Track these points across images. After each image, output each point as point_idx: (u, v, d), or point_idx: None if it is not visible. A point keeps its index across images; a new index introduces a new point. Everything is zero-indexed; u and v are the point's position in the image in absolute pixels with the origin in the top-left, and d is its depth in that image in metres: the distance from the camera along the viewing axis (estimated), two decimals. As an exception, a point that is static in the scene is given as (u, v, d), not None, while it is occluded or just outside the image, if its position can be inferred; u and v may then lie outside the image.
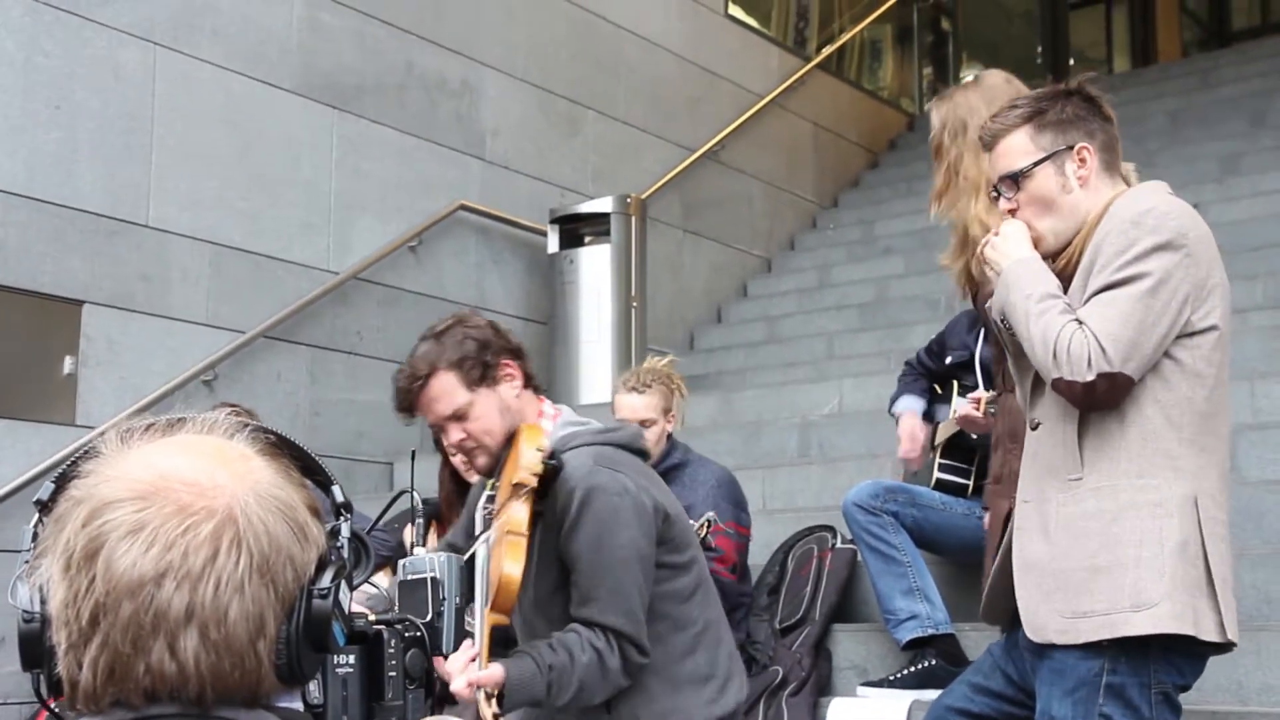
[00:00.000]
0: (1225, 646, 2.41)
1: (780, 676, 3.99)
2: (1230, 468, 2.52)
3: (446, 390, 2.68)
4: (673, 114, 7.95)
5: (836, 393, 5.99)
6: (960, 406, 3.86)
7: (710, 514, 3.82)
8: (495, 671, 2.51)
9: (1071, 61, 13.41)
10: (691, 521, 3.57)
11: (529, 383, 2.80)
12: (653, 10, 7.95)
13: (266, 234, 5.69)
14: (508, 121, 6.90)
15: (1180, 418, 2.40)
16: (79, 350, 5.00)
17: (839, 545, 4.35)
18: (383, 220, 6.17)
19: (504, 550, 2.58)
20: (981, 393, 3.80)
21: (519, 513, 2.60)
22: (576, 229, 6.87)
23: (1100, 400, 2.38)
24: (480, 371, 2.70)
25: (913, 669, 3.80)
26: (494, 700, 2.47)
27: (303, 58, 5.95)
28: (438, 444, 3.84)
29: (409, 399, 2.70)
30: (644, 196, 7.14)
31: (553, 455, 2.65)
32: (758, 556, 4.48)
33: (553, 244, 6.84)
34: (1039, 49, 13.23)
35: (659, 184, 7.58)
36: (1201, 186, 6.98)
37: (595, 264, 6.73)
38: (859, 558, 4.14)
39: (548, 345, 6.69)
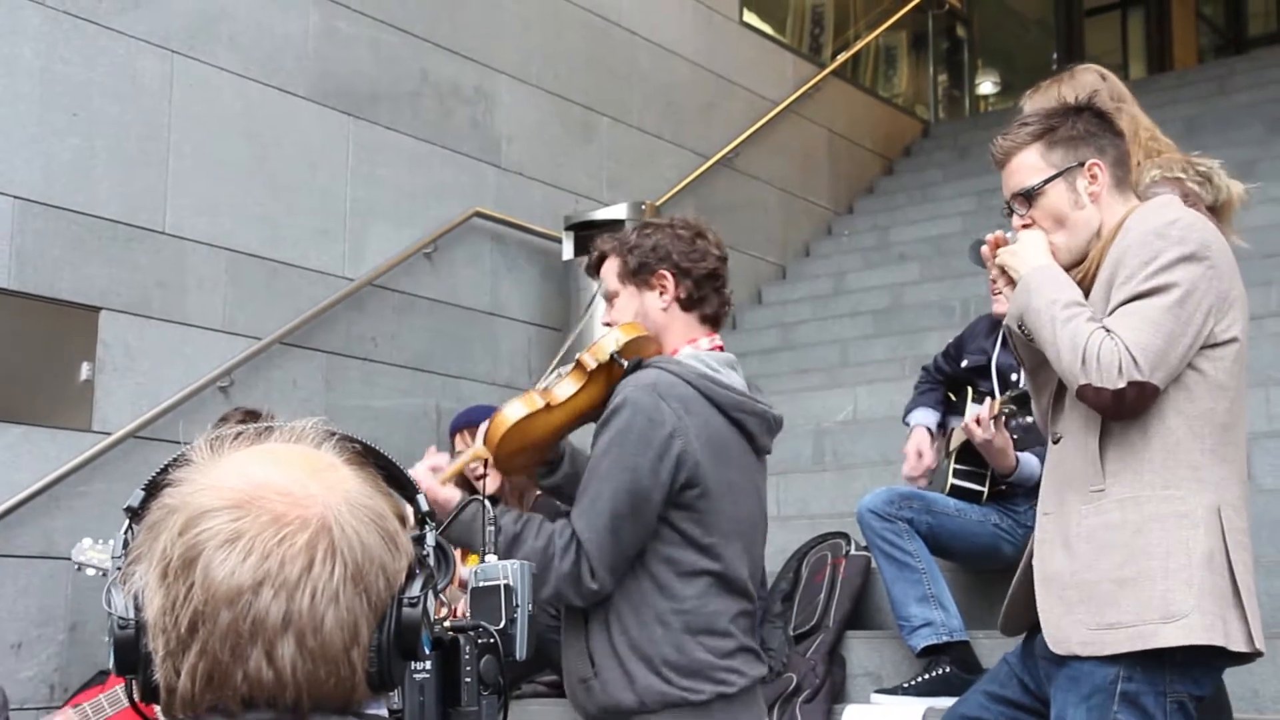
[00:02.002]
0: (1247, 657, 2.41)
1: (794, 684, 3.99)
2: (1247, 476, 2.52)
3: (610, 270, 2.82)
4: (687, 121, 7.95)
5: (851, 399, 5.99)
6: (968, 414, 3.86)
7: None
8: (449, 493, 2.62)
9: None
10: None
11: (691, 306, 2.78)
12: (667, 17, 7.96)
13: (282, 241, 5.71)
14: (523, 128, 6.91)
15: (1203, 429, 2.40)
16: (96, 356, 5.02)
17: (853, 552, 4.35)
18: (398, 227, 6.19)
19: (517, 398, 2.67)
20: (981, 410, 3.79)
21: (561, 385, 2.70)
22: (591, 236, 6.86)
23: (1128, 408, 2.37)
24: (636, 269, 2.77)
25: (927, 676, 3.79)
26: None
27: (319, 65, 5.97)
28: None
29: (589, 266, 2.90)
30: (659, 203, 7.14)
31: (630, 359, 2.68)
32: (772, 563, 4.47)
33: (567, 251, 6.85)
34: (1054, 56, 13.20)
35: (674, 191, 7.59)
36: (1218, 193, 6.95)
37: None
38: (873, 564, 4.14)
39: (562, 352, 6.69)
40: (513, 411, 2.69)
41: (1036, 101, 3.23)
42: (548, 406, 2.70)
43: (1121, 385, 2.33)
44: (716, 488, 2.66)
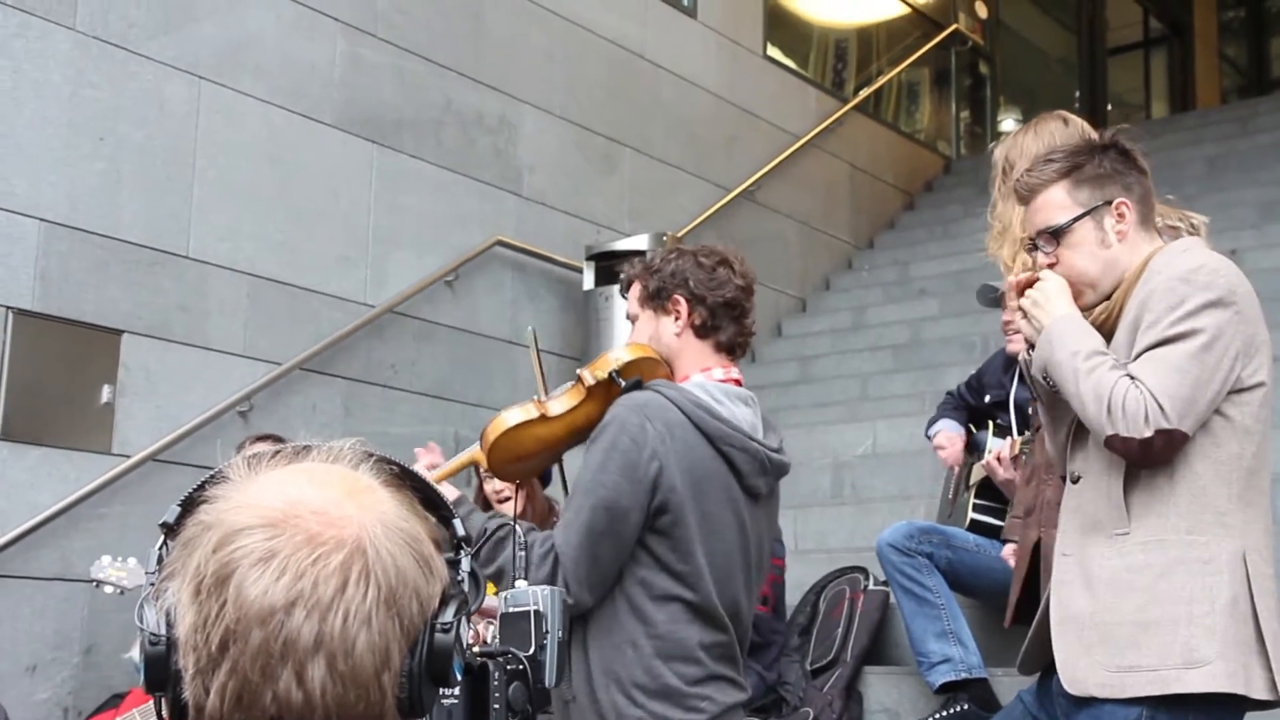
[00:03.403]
0: (1272, 704, 2.38)
1: (811, 718, 3.96)
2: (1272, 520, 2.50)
3: (633, 294, 2.84)
4: (709, 153, 7.97)
5: (870, 434, 5.97)
6: (989, 451, 3.85)
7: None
8: (444, 493, 2.59)
9: (1110, 107, 13.39)
10: None
11: (705, 334, 2.76)
12: (691, 50, 7.99)
13: (304, 266, 5.74)
14: (545, 158, 6.94)
15: (1230, 474, 2.39)
16: (117, 379, 5.03)
17: (871, 587, 4.33)
18: (419, 254, 6.21)
19: (519, 405, 2.70)
20: (1002, 448, 3.78)
21: (559, 399, 2.72)
22: (612, 266, 6.88)
23: (1156, 457, 2.36)
24: (655, 292, 2.78)
25: (945, 713, 3.76)
26: None
27: (343, 93, 6.01)
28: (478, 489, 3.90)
29: (621, 289, 2.91)
30: (680, 235, 7.15)
31: (629, 379, 2.69)
32: (790, 597, 4.45)
33: (588, 281, 6.86)
34: (1077, 94, 13.22)
35: (695, 223, 7.60)
36: (1240, 232, 6.94)
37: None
38: (891, 599, 4.12)
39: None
40: (509, 417, 2.72)
41: (1005, 147, 3.28)
42: (543, 417, 2.72)
43: (1149, 434, 2.32)
44: (690, 518, 2.62)
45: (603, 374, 2.69)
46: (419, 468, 2.66)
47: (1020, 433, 3.82)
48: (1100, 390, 2.35)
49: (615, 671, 2.59)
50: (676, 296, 2.75)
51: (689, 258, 2.78)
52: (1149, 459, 2.36)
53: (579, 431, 2.75)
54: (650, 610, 2.60)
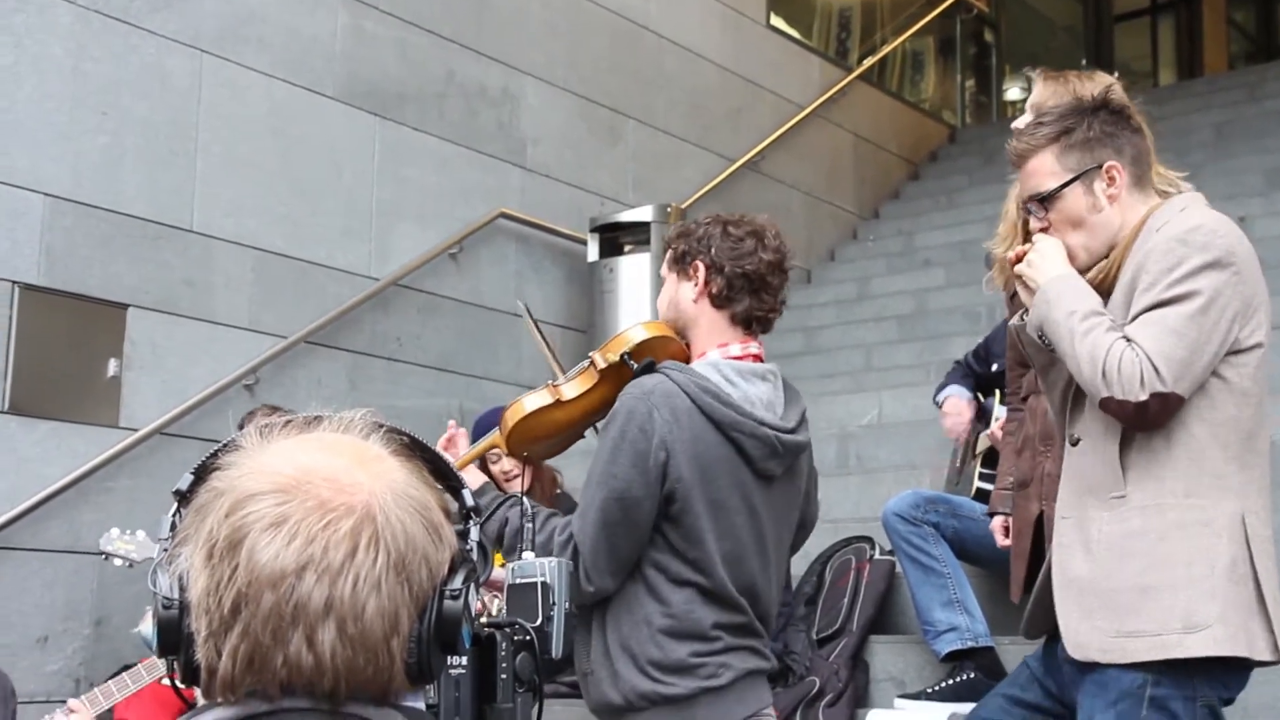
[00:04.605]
0: (1275, 664, 2.39)
1: (817, 687, 3.98)
2: (1271, 483, 2.50)
3: (667, 256, 2.85)
4: (713, 124, 7.95)
5: (875, 404, 5.97)
6: (993, 421, 3.86)
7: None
8: (469, 478, 2.63)
9: (1116, 74, 13.29)
10: None
11: (721, 304, 2.73)
12: (694, 21, 7.96)
13: (308, 240, 5.73)
14: (548, 130, 6.92)
15: (1227, 436, 2.38)
16: (123, 353, 5.04)
17: (877, 556, 4.33)
18: (423, 227, 6.20)
19: (536, 391, 2.74)
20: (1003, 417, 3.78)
21: (572, 383, 2.75)
22: (616, 238, 6.88)
23: (1152, 419, 2.35)
24: (679, 256, 2.79)
25: (951, 682, 3.77)
26: None
27: (346, 66, 5.99)
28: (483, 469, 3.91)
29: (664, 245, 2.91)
30: (684, 206, 7.14)
31: (641, 360, 2.69)
32: (795, 567, 4.46)
33: (592, 252, 6.86)
34: (1083, 61, 13.14)
35: (699, 194, 7.58)
36: (1248, 199, 6.92)
37: (634, 273, 6.74)
38: (897, 569, 4.12)
39: (586, 353, 6.69)
40: (528, 403, 2.77)
41: (1046, 90, 3.23)
42: (558, 402, 2.75)
43: (1144, 397, 2.31)
44: (698, 505, 2.61)
45: (614, 357, 2.71)
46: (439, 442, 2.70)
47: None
48: (1096, 352, 2.34)
49: (631, 648, 2.61)
50: (696, 263, 2.74)
51: (719, 225, 2.77)
52: (1144, 422, 2.36)
53: (594, 413, 2.78)
54: (667, 592, 2.61)
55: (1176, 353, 2.31)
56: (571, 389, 2.75)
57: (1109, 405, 2.35)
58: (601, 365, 2.73)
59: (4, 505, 4.58)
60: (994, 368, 4.14)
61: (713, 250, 2.72)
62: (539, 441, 2.83)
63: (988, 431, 3.93)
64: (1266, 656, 2.33)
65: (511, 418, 2.77)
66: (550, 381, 2.79)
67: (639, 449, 2.57)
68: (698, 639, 2.63)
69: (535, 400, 2.77)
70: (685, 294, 2.76)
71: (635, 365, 2.69)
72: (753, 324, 2.76)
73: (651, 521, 2.60)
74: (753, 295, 2.73)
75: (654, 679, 2.59)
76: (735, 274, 2.71)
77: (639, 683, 2.60)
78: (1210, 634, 2.30)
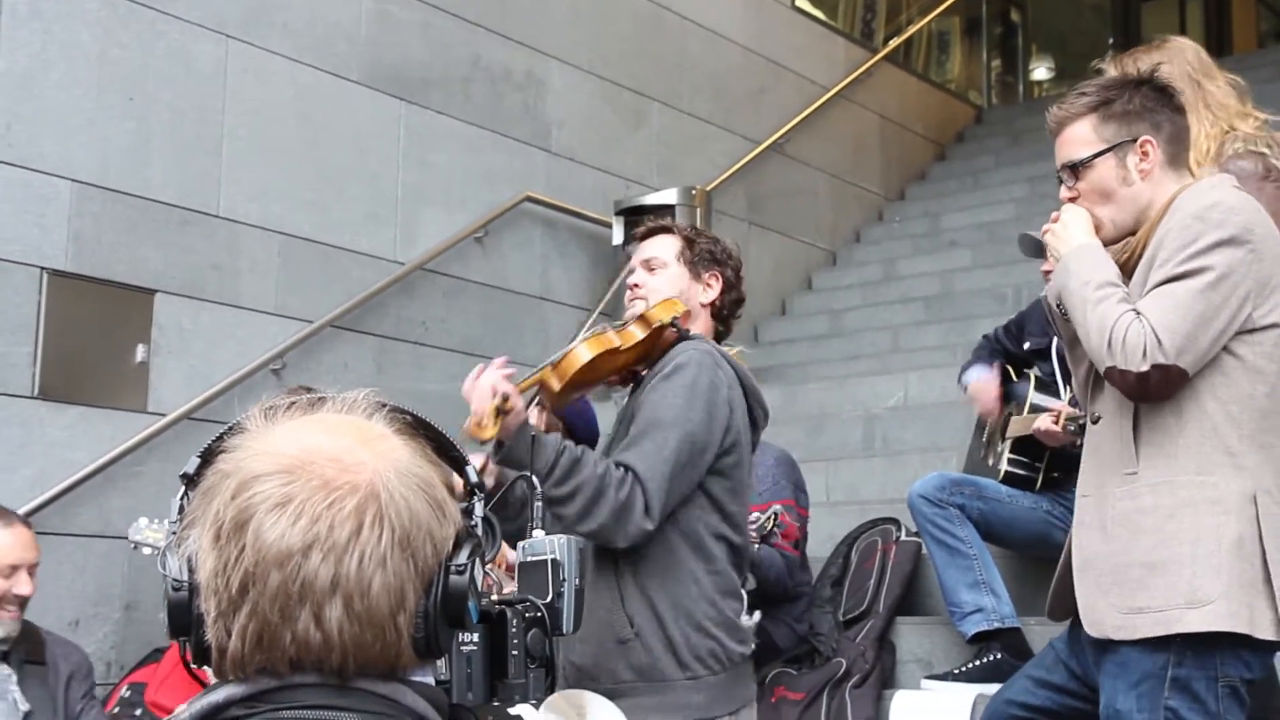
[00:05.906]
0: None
1: (844, 669, 3.98)
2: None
3: (666, 245, 2.98)
4: (738, 106, 7.92)
5: (901, 386, 5.96)
6: (1041, 421, 3.78)
7: (778, 506, 3.82)
8: (521, 404, 2.62)
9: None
10: (756, 512, 3.57)
11: (718, 318, 2.96)
12: (718, 2, 7.93)
13: (334, 225, 5.75)
14: (573, 113, 6.92)
15: (1240, 414, 2.37)
16: (151, 339, 5.07)
17: (903, 538, 4.33)
18: (448, 211, 6.21)
19: (589, 339, 2.77)
20: (1063, 407, 3.75)
21: (626, 332, 2.79)
22: (641, 221, 6.85)
23: (1152, 392, 2.35)
24: (699, 257, 2.93)
25: (978, 663, 3.78)
26: (497, 419, 2.56)
27: (371, 50, 6.00)
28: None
29: (641, 233, 3.07)
30: (709, 189, 7.13)
31: (680, 333, 2.80)
32: (821, 549, 4.47)
33: (617, 236, 6.85)
34: (1110, 41, 13.04)
35: (724, 176, 7.56)
36: (1277, 179, 6.86)
37: (659, 256, 6.72)
38: (924, 550, 4.12)
39: (611, 337, 6.69)
40: (587, 352, 2.75)
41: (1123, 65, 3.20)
42: (615, 350, 2.77)
43: (1145, 368, 2.31)
44: (746, 461, 2.79)
45: (666, 318, 2.78)
46: (496, 364, 2.65)
47: (1066, 382, 3.79)
48: (1104, 322, 2.35)
49: (684, 605, 2.67)
50: (717, 272, 2.93)
51: (729, 248, 2.98)
52: (1146, 394, 2.36)
53: (627, 368, 2.84)
54: (711, 547, 2.71)
55: (1181, 325, 2.31)
56: (625, 339, 2.80)
57: (1112, 375, 2.36)
58: (660, 320, 2.79)
59: (34, 490, 4.62)
60: (1026, 345, 4.10)
61: (729, 268, 2.94)
62: (579, 389, 2.87)
63: (1034, 428, 3.80)
64: (1269, 635, 2.33)
65: (570, 365, 2.75)
66: (603, 328, 2.81)
67: (711, 399, 2.69)
68: (735, 597, 2.75)
69: (594, 346, 2.76)
70: (697, 294, 2.92)
71: (680, 330, 2.80)
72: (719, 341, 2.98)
73: (704, 473, 2.71)
74: (732, 321, 3.00)
75: (710, 635, 2.66)
76: (735, 299, 2.97)
77: (697, 641, 2.65)
78: (1213, 609, 2.29)
